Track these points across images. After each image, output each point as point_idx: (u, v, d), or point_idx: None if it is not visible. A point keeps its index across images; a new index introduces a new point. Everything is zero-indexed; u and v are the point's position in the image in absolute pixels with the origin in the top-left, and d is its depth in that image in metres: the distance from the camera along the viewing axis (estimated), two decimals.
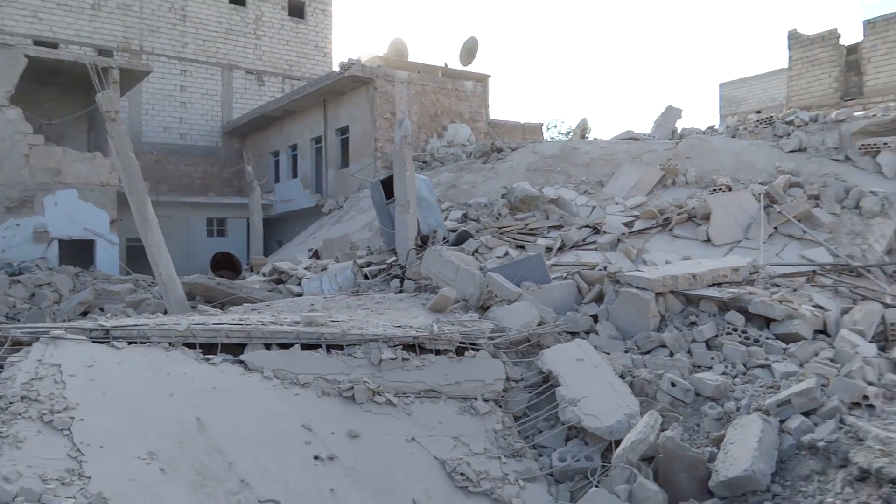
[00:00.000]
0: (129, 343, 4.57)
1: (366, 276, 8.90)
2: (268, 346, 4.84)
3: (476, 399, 4.83)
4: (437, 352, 5.11)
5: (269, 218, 22.32)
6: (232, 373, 4.45)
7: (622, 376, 5.16)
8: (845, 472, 3.69)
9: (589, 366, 5.09)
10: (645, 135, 14.17)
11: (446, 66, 24.21)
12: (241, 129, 25.30)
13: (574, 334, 6.17)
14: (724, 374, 5.28)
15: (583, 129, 25.19)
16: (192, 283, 8.67)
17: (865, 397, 4.45)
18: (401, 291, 7.98)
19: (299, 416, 4.18)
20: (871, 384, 4.86)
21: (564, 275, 7.24)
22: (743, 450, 3.91)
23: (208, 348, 4.76)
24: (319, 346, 4.90)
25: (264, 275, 10.67)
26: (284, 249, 17.53)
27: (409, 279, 8.17)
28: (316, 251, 12.69)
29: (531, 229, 9.64)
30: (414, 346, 5.10)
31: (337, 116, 20.41)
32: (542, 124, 26.26)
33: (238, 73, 26.60)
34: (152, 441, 3.59)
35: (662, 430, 4.42)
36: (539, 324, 5.88)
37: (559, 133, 34.65)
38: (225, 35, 26.31)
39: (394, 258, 9.30)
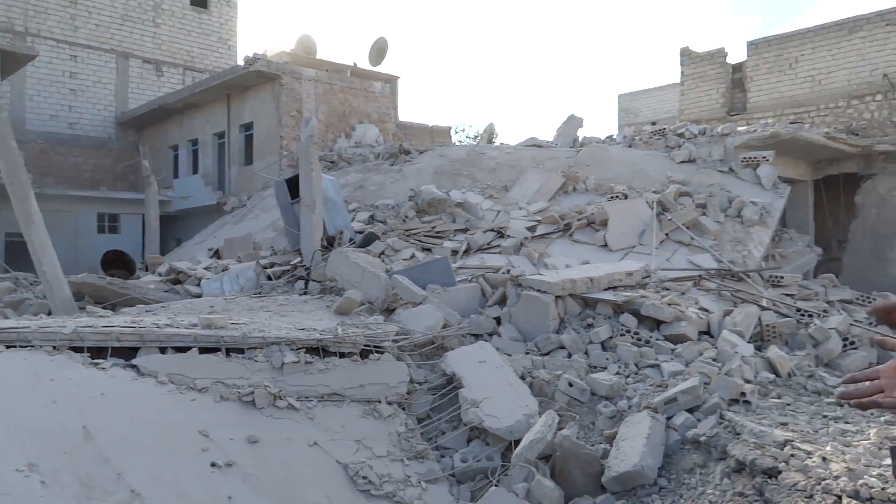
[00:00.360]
0: (8, 347, 4.27)
1: (269, 278, 8.70)
2: (163, 350, 4.65)
3: (380, 402, 4.83)
4: (342, 355, 5.08)
5: (167, 215, 21.36)
6: (123, 378, 4.25)
7: (523, 377, 5.31)
8: (724, 464, 3.96)
9: (491, 367, 5.21)
10: (548, 142, 14.62)
11: (355, 65, 24.01)
12: (138, 120, 24.07)
13: (478, 336, 6.29)
14: (617, 373, 5.54)
15: (490, 134, 25.68)
16: (81, 283, 8.18)
17: (743, 394, 4.80)
18: (305, 293, 7.86)
19: (196, 423, 4.04)
20: (748, 381, 5.24)
21: (469, 278, 7.37)
22: (633, 446, 4.12)
23: (97, 352, 4.52)
24: (218, 349, 4.75)
25: (160, 275, 10.21)
26: (183, 248, 16.83)
27: (314, 281, 8.06)
28: (217, 251, 12.27)
29: (438, 232, 9.74)
30: (318, 350, 5.04)
31: (241, 112, 19.80)
32: (450, 128, 26.54)
33: (135, 61, 25.29)
34: (32, 452, 3.37)
35: (560, 428, 4.58)
36: (444, 326, 5.95)
37: (467, 137, 35.14)
38: (120, 21, 24.95)
39: (298, 259, 9.14)
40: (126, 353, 4.56)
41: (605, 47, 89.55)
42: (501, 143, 19.34)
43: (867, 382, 1.26)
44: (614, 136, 14.22)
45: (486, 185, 12.02)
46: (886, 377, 1.23)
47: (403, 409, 4.93)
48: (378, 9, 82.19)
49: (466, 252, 8.97)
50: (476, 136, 33.21)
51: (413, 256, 8.74)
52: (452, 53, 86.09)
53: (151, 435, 3.81)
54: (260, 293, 8.03)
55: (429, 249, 9.11)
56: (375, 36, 25.75)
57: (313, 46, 23.91)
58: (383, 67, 24.95)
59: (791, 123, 13.12)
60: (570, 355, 5.87)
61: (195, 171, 21.91)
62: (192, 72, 26.31)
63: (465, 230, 9.82)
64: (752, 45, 23.58)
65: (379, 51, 24.37)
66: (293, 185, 9.88)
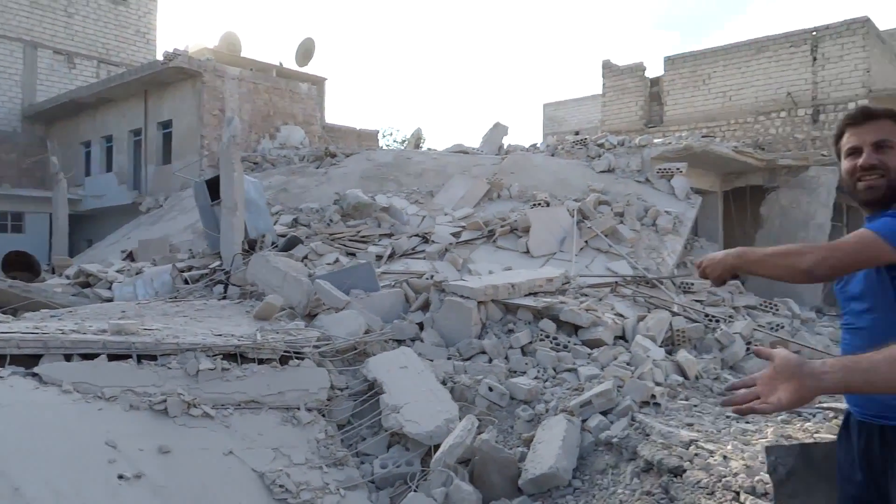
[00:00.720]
0: None
1: (186, 282, 8.43)
2: (68, 358, 4.43)
3: (299, 409, 4.76)
4: (260, 361, 4.98)
5: (77, 215, 20.32)
6: (23, 387, 4.02)
7: (444, 382, 5.36)
8: (634, 464, 4.12)
9: (412, 373, 5.23)
10: (474, 149, 14.80)
11: (281, 65, 23.59)
12: (47, 114, 22.80)
13: (400, 342, 6.30)
14: (536, 378, 5.66)
15: (417, 139, 25.73)
16: None
17: (653, 396, 5.00)
18: (224, 298, 7.66)
19: (102, 433, 3.87)
20: (658, 384, 5.47)
21: (393, 283, 7.37)
22: (549, 449, 4.22)
23: None
24: (129, 356, 4.57)
25: (68, 277, 9.72)
26: (94, 250, 16.06)
27: (234, 285, 7.87)
28: (130, 253, 11.78)
29: (363, 237, 9.69)
30: (235, 356, 4.92)
31: (159, 109, 19.09)
32: (377, 131, 26.44)
33: (44, 52, 23.98)
34: None
35: (480, 433, 4.65)
36: (366, 332, 5.93)
37: (394, 141, 35.08)
38: (29, 8, 23.60)
39: (218, 263, 8.90)
40: (27, 361, 4.33)
41: (532, 57, 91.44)
42: (429, 149, 19.42)
43: (745, 390, 1.36)
44: (538, 145, 14.53)
45: (412, 190, 12.06)
46: (762, 384, 1.33)
47: (324, 415, 4.88)
48: (306, 9, 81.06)
49: (391, 257, 8.97)
50: (404, 141, 33.22)
51: (337, 261, 8.66)
52: (382, 57, 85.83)
53: (53, 447, 3.63)
54: (176, 298, 7.76)
55: (353, 254, 9.05)
56: (302, 36, 25.33)
57: (238, 44, 23.35)
58: (310, 68, 24.64)
59: (703, 137, 13.77)
60: (490, 360, 5.96)
61: (109, 168, 20.95)
62: (107, 65, 25.17)
63: (390, 235, 9.81)
64: (669, 61, 24.62)
65: (306, 52, 24.04)
66: (213, 187, 9.61)
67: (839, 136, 1.90)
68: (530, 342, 6.23)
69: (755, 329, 7.36)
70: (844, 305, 1.87)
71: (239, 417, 4.49)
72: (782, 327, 7.97)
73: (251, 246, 9.16)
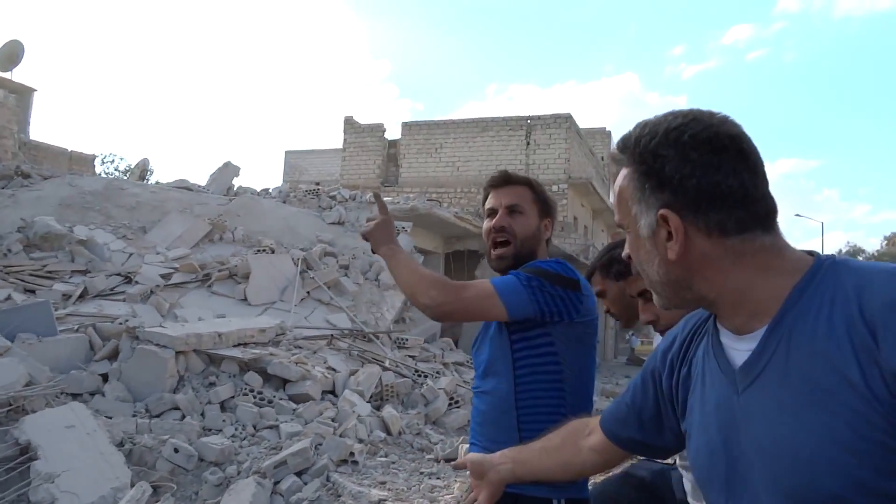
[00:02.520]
0: None
1: None
2: None
3: None
4: None
5: None
6: None
7: (121, 444, 4.69)
8: None
9: (80, 434, 4.48)
10: (200, 186, 13.91)
11: None
12: None
13: (76, 396, 5.44)
14: (233, 436, 5.24)
15: (143, 170, 23.61)
16: None
17: (352, 454, 4.91)
18: None
19: None
20: (361, 441, 5.40)
21: (76, 327, 6.40)
22: None
23: None
24: None
25: None
26: None
27: None
28: None
29: (49, 272, 8.35)
30: None
31: None
32: (95, 156, 23.71)
33: None
34: None
35: (156, 501, 4.12)
36: (27, 384, 4.99)
37: (116, 170, 31.82)
38: None
39: None
40: None
41: (278, 102, 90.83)
42: (156, 182, 17.79)
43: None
44: (270, 190, 14.15)
45: (121, 223, 10.82)
46: (473, 487, 1.34)
47: None
48: (21, 14, 71.21)
49: (82, 297, 7.84)
50: (126, 171, 30.28)
51: (9, 298, 7.30)
52: (116, 78, 78.39)
53: None
54: None
55: (32, 291, 7.74)
56: (8, 38, 21.93)
57: None
58: (15, 75, 21.38)
59: (429, 200, 14.63)
60: (184, 417, 5.40)
61: None
62: None
63: (85, 272, 8.60)
64: (406, 126, 26.10)
65: (10, 55, 20.86)
66: None
67: (485, 200, 1.98)
68: (232, 396, 5.80)
69: (458, 385, 7.75)
70: (477, 368, 1.90)
71: None
72: None
73: None
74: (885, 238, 50.25)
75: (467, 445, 1.83)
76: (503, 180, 1.93)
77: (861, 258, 26.63)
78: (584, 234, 25.19)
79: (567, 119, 24.37)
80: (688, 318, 1.05)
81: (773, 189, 0.88)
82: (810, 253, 0.88)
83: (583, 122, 28.26)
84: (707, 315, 0.98)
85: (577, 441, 1.21)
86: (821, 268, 0.83)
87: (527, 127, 25.19)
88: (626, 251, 1.15)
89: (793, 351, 0.80)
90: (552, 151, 24.43)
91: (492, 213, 1.91)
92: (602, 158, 29.11)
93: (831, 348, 0.77)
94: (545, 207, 1.93)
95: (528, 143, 24.93)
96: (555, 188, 23.07)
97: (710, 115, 0.88)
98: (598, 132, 31.67)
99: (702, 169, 0.84)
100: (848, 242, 57.22)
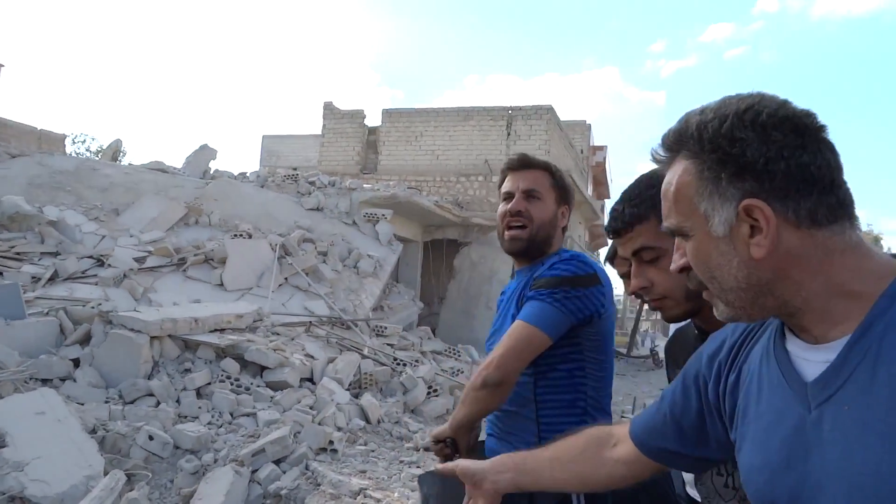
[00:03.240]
0: None
1: None
2: None
3: None
4: None
5: None
6: None
7: (94, 431, 4.57)
8: None
9: (51, 420, 4.35)
10: (176, 169, 13.63)
11: None
12: None
13: (46, 382, 5.29)
14: (209, 423, 5.14)
15: (115, 152, 23.08)
16: None
17: (331, 442, 4.84)
18: None
19: None
20: (340, 429, 5.33)
21: (47, 310, 6.22)
22: None
23: None
24: None
25: None
26: None
27: None
28: None
29: (18, 253, 8.12)
30: None
31: None
32: (66, 136, 23.17)
33: None
34: None
35: (130, 489, 4.01)
36: None
37: (87, 150, 31.14)
38: None
39: None
40: None
41: (256, 86, 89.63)
42: (128, 164, 17.38)
43: None
44: (248, 174, 13.92)
45: (93, 205, 10.56)
46: (468, 496, 1.22)
47: None
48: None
49: (52, 280, 7.63)
50: (98, 151, 29.66)
51: None
52: (90, 57, 76.64)
53: None
54: None
55: (0, 273, 7.51)
56: None
57: None
58: None
59: (409, 188, 14.53)
60: (158, 404, 5.28)
61: None
62: None
63: (55, 254, 8.38)
64: (387, 114, 25.85)
65: None
66: None
67: (501, 182, 1.92)
68: (208, 383, 5.69)
69: (437, 374, 7.71)
70: None
71: None
72: (462, 372, 8.51)
73: None
74: None
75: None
76: (521, 163, 1.86)
77: None
78: None
79: (548, 111, 24.32)
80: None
81: None
82: (895, 256, 0.79)
83: (563, 115, 28.26)
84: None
85: (601, 452, 1.10)
86: None
87: (508, 117, 25.08)
88: (641, 280, 1.05)
89: (881, 365, 0.70)
90: (532, 142, 24.34)
91: (508, 196, 1.84)
92: (581, 151, 29.19)
93: None
94: (563, 194, 1.87)
95: (509, 134, 24.89)
96: None
97: (773, 95, 0.79)
98: (577, 125, 31.70)
99: (789, 150, 0.75)
100: None
